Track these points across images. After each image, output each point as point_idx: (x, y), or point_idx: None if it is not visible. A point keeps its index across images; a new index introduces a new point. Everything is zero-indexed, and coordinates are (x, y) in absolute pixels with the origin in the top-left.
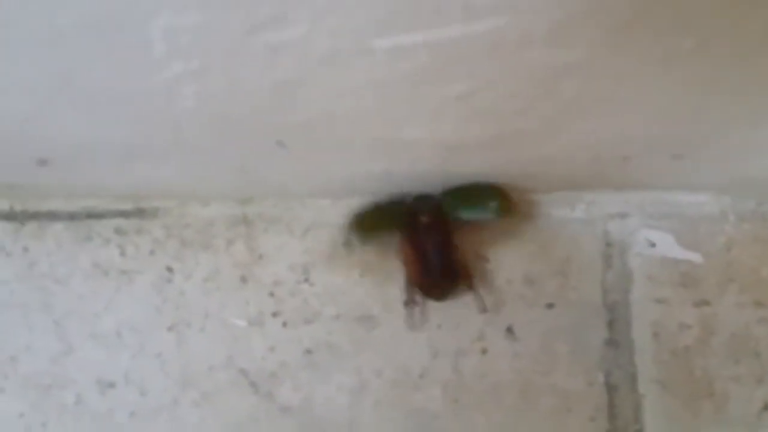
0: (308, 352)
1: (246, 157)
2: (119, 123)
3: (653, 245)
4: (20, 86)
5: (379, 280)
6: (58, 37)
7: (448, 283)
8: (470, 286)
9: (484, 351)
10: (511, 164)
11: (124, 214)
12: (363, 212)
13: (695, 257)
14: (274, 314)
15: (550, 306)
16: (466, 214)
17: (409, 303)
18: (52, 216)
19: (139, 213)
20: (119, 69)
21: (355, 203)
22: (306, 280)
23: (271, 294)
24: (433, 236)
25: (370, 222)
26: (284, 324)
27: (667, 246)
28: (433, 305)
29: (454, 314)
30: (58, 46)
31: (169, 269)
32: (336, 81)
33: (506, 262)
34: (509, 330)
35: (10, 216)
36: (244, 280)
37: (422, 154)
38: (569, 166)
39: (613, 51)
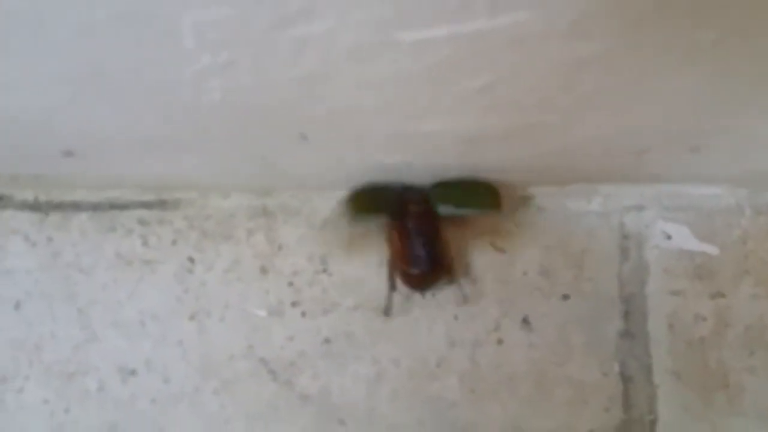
0: (327, 341)
1: (268, 149)
2: (146, 115)
3: (669, 238)
4: (51, 78)
5: None
6: (90, 30)
7: (431, 275)
8: (450, 279)
9: (500, 341)
10: (528, 157)
11: (146, 205)
12: (356, 193)
13: (711, 249)
14: (294, 304)
15: (565, 297)
16: (452, 208)
17: (390, 289)
18: (77, 207)
19: (161, 204)
20: (149, 61)
21: None
22: (324, 270)
23: (291, 284)
24: (421, 227)
25: (362, 203)
26: (303, 314)
27: (683, 238)
28: (447, 297)
29: (470, 305)
30: (90, 38)
31: (191, 260)
32: (360, 74)
33: (522, 253)
34: (525, 321)
35: (34, 206)
36: (263, 270)
37: (441, 146)
38: (586, 159)
39: (632, 44)
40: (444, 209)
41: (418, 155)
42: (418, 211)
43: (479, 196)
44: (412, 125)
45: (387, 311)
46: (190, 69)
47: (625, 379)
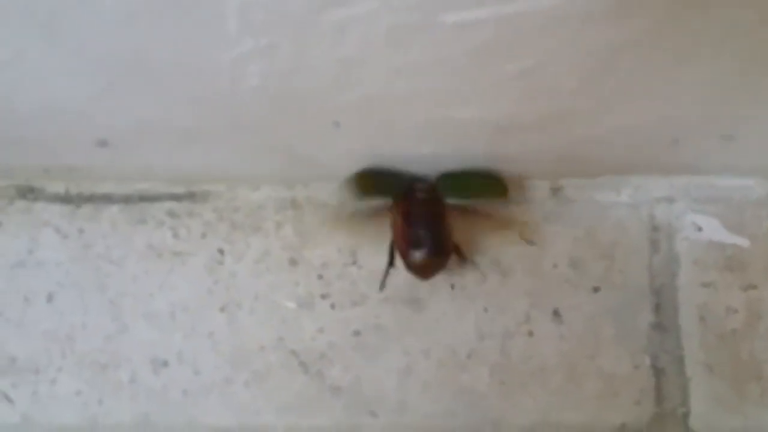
0: (356, 333)
1: (300, 138)
2: (182, 103)
3: (700, 229)
4: (89, 65)
5: None
6: (131, 16)
7: (432, 261)
8: (462, 257)
9: (530, 333)
10: (560, 147)
11: (176, 198)
12: (364, 172)
13: (742, 241)
14: (323, 296)
15: (596, 289)
16: (457, 197)
17: (389, 265)
18: (107, 199)
19: (191, 196)
20: (189, 47)
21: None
22: (354, 262)
23: (320, 276)
24: (426, 213)
25: (369, 182)
26: (333, 306)
27: (714, 230)
28: (477, 289)
29: (500, 297)
30: (131, 24)
31: (221, 251)
32: (398, 58)
33: (552, 245)
34: (555, 313)
35: (66, 199)
36: (293, 262)
37: (472, 135)
38: (618, 149)
39: (672, 27)
40: (450, 198)
41: (448, 144)
42: (425, 197)
43: (485, 185)
44: (446, 112)
45: (382, 286)
46: (230, 54)
47: (657, 371)
